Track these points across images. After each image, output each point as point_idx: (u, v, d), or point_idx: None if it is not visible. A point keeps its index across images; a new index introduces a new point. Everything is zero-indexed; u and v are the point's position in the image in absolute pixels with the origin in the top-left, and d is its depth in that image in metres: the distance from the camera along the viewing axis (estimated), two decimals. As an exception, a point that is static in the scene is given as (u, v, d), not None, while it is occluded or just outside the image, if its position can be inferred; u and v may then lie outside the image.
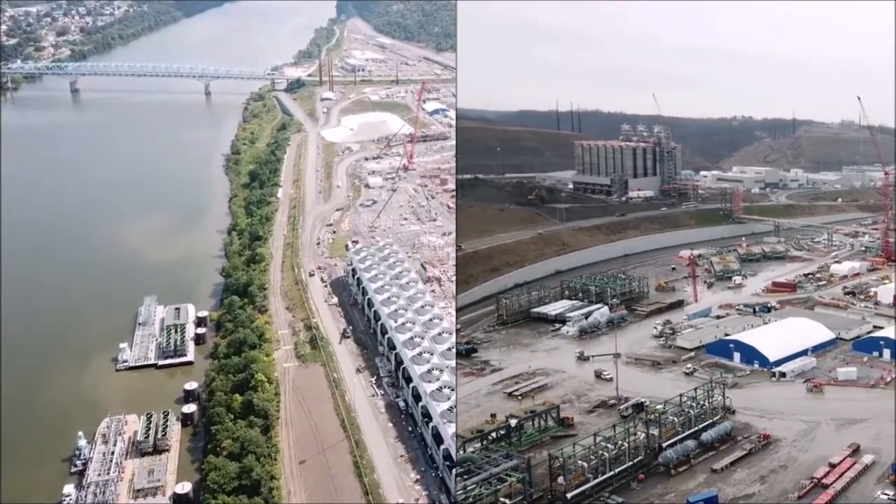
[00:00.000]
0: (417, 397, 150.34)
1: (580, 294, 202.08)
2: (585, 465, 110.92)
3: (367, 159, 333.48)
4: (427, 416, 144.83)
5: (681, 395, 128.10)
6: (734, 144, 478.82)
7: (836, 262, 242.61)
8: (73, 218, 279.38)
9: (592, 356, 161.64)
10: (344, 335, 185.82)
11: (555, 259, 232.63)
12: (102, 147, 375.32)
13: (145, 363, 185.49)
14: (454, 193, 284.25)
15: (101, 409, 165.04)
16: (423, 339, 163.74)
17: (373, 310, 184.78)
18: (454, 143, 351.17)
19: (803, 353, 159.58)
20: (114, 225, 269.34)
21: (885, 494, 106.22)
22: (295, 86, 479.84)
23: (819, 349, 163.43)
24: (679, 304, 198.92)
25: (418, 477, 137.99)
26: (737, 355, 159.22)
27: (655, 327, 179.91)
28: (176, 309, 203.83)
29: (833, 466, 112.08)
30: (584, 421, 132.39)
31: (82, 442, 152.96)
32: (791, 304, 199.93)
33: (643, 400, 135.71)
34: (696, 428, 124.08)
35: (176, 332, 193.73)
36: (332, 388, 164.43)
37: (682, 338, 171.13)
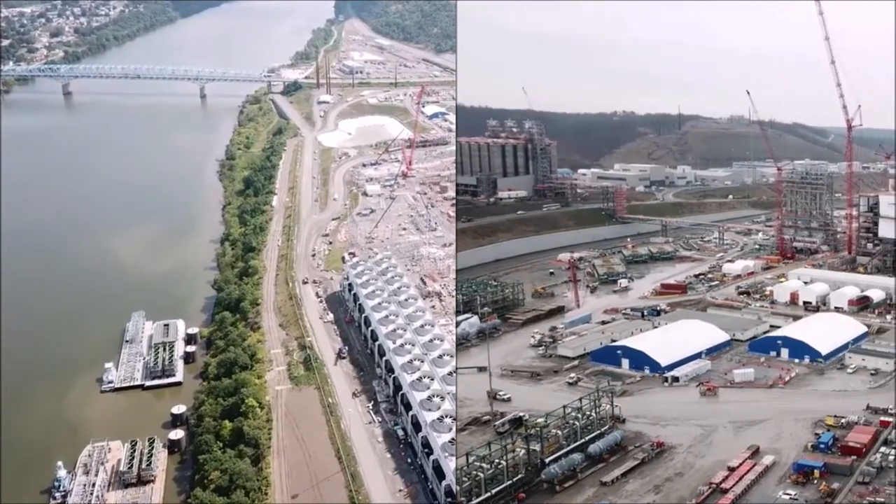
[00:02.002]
0: (417, 426, 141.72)
1: None
2: (458, 487, 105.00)
3: (364, 165, 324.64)
4: (427, 446, 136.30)
5: (564, 407, 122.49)
6: (615, 141, 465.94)
7: (729, 261, 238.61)
8: (59, 227, 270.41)
9: (458, 369, 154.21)
10: (339, 355, 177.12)
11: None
12: (93, 152, 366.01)
13: (132, 384, 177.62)
14: (454, 202, 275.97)
15: (84, 434, 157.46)
16: (422, 362, 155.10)
17: (370, 329, 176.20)
18: (454, 148, 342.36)
19: (697, 356, 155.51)
20: (103, 234, 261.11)
21: (787, 494, 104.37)
22: (292, 88, 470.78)
23: (713, 351, 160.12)
24: (559, 311, 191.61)
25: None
26: (625, 361, 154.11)
27: (533, 336, 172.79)
28: (165, 325, 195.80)
29: (732, 470, 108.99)
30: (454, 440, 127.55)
31: (62, 472, 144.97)
32: (682, 305, 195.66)
33: (522, 414, 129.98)
34: (583, 440, 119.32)
35: (164, 350, 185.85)
36: (326, 413, 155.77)
37: (563, 346, 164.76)
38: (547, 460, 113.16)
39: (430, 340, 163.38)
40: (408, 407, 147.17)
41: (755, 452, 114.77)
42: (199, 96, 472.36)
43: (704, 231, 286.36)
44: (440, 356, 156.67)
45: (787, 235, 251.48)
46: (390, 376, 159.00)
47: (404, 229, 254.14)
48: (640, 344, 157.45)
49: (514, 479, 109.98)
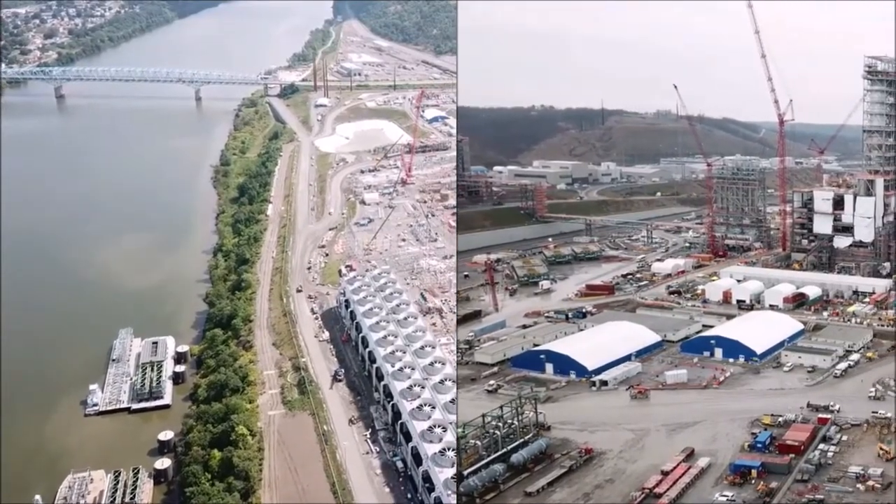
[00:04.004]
0: (417, 458, 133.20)
1: None
2: None
3: (362, 172, 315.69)
4: (429, 480, 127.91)
5: (483, 416, 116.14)
6: (534, 136, 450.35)
7: (658, 260, 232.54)
8: (47, 234, 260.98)
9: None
10: (335, 378, 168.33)
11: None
12: (84, 157, 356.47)
13: (118, 407, 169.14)
14: (455, 211, 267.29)
15: (65, 463, 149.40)
16: (423, 388, 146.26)
17: (367, 349, 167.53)
18: (454, 153, 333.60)
19: (626, 358, 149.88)
20: (92, 243, 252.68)
21: (724, 496, 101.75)
22: (288, 91, 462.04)
23: (644, 353, 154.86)
24: (476, 316, 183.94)
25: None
26: (549, 366, 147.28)
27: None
28: (153, 343, 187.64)
29: (666, 474, 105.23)
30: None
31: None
32: (609, 307, 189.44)
33: None
34: (505, 450, 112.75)
35: (152, 370, 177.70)
36: (321, 442, 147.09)
37: (481, 352, 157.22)
38: (465, 472, 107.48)
39: (431, 364, 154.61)
40: (408, 437, 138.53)
41: (690, 455, 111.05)
42: (195, 99, 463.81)
43: (632, 230, 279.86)
44: (441, 381, 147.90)
45: (719, 233, 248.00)
46: (389, 402, 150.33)
47: (403, 240, 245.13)
48: (565, 347, 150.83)
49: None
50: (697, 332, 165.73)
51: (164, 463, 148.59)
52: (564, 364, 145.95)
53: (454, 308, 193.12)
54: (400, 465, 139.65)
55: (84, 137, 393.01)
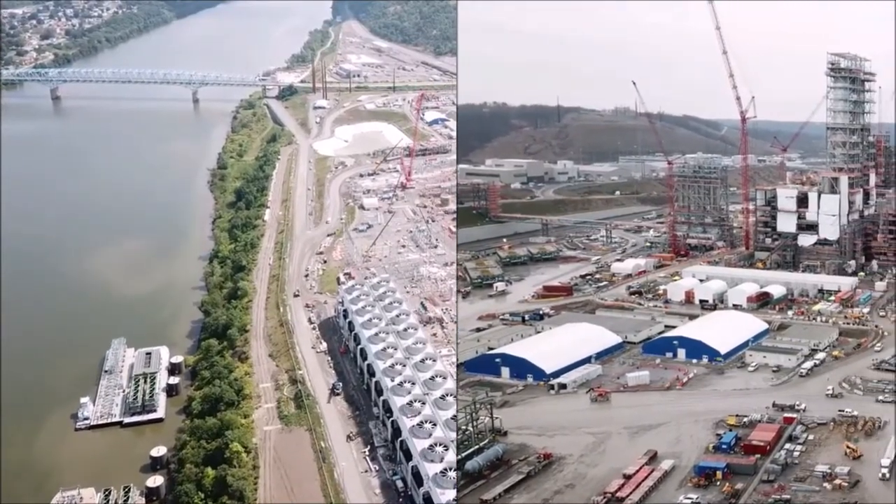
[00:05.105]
0: (418, 477, 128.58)
1: None
2: None
3: (361, 176, 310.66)
4: (430, 502, 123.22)
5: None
6: (487, 134, 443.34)
7: (618, 259, 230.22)
8: (39, 241, 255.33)
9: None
10: (333, 392, 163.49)
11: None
12: (80, 160, 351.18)
13: (109, 421, 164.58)
14: (455, 216, 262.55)
15: (55, 479, 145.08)
16: (423, 404, 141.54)
17: (366, 362, 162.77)
18: (455, 157, 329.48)
19: (586, 360, 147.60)
20: (85, 249, 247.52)
21: (689, 498, 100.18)
22: (287, 93, 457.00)
23: (604, 355, 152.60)
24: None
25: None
26: (505, 370, 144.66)
27: None
28: (147, 354, 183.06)
29: (628, 477, 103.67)
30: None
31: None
32: (568, 308, 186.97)
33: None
34: (460, 457, 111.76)
35: (145, 382, 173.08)
36: (318, 460, 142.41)
37: None
38: None
39: (432, 378, 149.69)
40: (408, 455, 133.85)
41: (653, 457, 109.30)
42: (192, 101, 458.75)
43: (590, 229, 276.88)
44: (442, 397, 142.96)
45: (680, 232, 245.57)
46: (389, 418, 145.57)
47: (403, 247, 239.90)
48: (522, 350, 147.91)
49: None
50: (659, 333, 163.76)
51: (156, 481, 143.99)
52: (521, 367, 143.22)
53: (455, 317, 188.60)
54: (400, 484, 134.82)
55: (80, 139, 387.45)
